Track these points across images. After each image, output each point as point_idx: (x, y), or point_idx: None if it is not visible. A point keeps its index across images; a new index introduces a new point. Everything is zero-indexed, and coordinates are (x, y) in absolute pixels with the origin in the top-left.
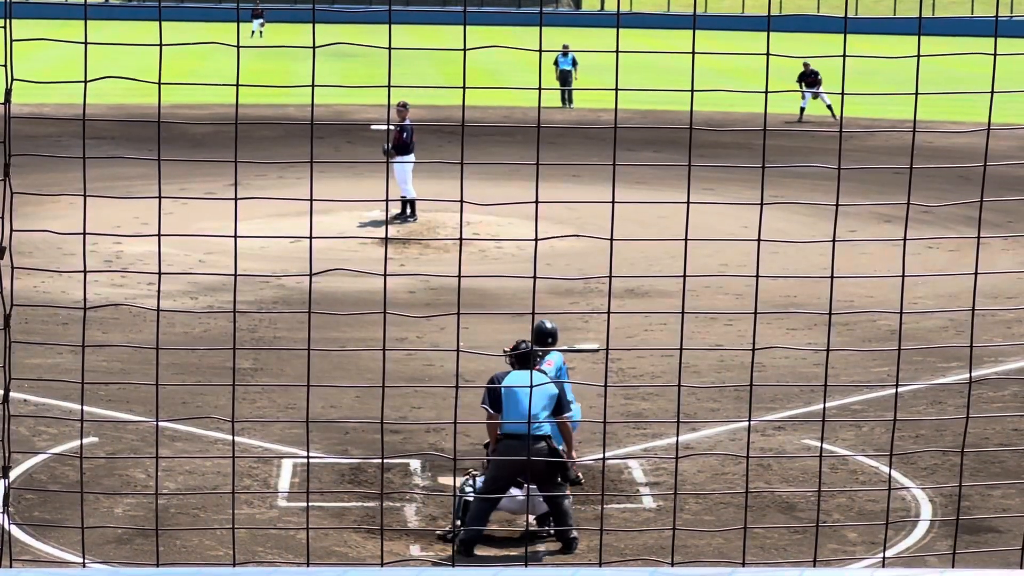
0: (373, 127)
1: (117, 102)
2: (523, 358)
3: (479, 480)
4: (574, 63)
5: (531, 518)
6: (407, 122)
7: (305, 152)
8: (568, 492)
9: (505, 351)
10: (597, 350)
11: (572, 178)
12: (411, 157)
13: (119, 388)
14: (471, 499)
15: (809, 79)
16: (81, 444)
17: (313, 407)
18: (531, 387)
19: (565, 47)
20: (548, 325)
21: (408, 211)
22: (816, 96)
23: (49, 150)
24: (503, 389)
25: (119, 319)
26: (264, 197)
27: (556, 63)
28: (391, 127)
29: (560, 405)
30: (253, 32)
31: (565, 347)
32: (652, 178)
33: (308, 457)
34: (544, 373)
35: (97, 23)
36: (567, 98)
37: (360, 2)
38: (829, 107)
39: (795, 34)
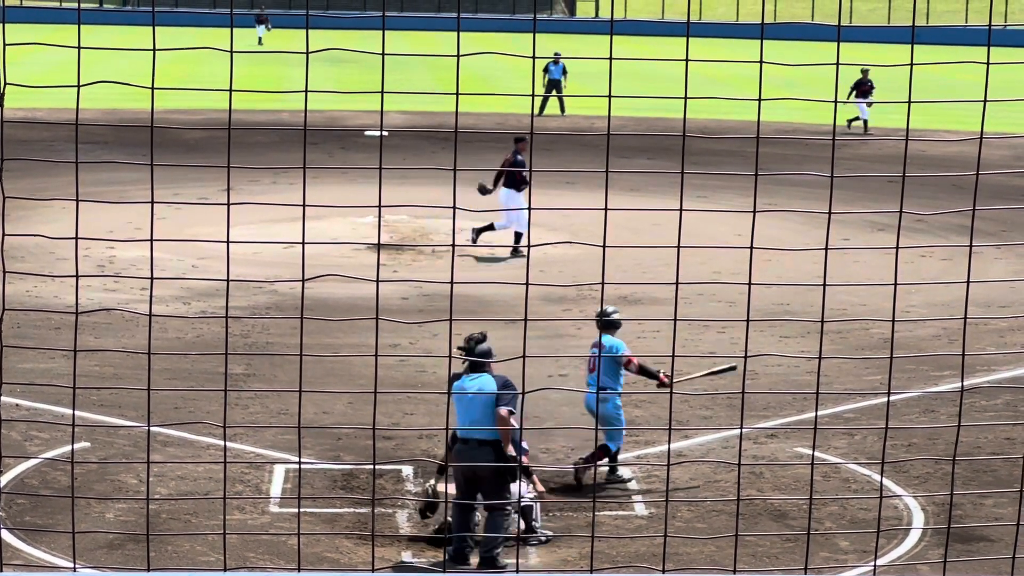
0: (367, 133)
1: (110, 107)
2: (474, 360)
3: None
4: (564, 72)
5: (521, 524)
6: (519, 156)
7: (298, 158)
8: (523, 498)
9: (459, 348)
10: (733, 369)
11: (565, 185)
12: (524, 195)
13: (111, 393)
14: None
15: (863, 87)
16: (72, 449)
17: (305, 413)
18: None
19: (556, 55)
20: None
21: (515, 240)
22: (869, 105)
23: (42, 154)
24: (455, 393)
25: (112, 324)
26: (257, 203)
27: (547, 70)
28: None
29: (499, 400)
30: (260, 38)
31: (703, 372)
32: (646, 185)
33: (300, 463)
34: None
35: (91, 28)
36: (560, 106)
37: (354, 8)
38: (857, 119)
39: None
